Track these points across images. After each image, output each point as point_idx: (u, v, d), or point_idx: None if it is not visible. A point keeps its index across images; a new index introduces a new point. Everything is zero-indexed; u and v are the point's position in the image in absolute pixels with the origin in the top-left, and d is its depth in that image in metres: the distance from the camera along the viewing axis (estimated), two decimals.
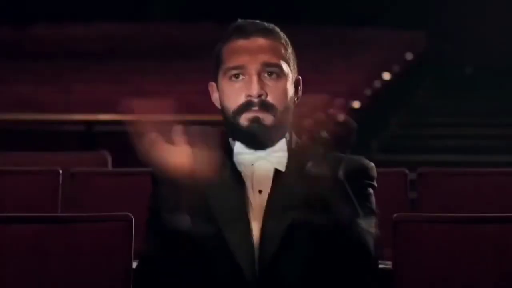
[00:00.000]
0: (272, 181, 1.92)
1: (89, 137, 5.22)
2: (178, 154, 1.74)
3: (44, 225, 2.01)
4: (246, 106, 1.92)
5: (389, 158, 6.21)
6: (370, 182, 1.92)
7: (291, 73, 1.99)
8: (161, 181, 1.80)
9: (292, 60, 2.01)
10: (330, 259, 1.80)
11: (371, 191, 1.91)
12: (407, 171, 2.97)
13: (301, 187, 1.82)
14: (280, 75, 1.96)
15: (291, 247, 1.81)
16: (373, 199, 1.90)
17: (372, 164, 1.93)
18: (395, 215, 2.10)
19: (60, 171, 2.86)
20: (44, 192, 2.84)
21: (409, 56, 8.55)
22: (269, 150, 1.94)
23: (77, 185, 2.86)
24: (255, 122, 1.92)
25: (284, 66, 1.97)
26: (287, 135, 1.98)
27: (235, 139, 1.94)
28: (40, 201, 2.80)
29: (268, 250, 1.82)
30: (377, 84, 7.20)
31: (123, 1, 10.16)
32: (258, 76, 1.95)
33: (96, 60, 7.66)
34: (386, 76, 7.50)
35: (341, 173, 1.84)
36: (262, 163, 1.94)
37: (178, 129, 1.74)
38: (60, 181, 2.85)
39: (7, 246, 1.99)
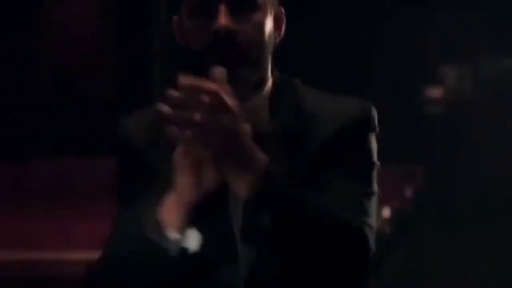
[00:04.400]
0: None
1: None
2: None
3: None
4: (214, 45, 1.53)
5: None
6: (369, 129, 1.58)
7: (270, 4, 1.60)
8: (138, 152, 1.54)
9: None
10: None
11: (371, 138, 1.58)
12: None
13: (286, 156, 1.51)
14: (255, 5, 1.57)
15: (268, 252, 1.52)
16: (373, 148, 1.57)
17: (369, 105, 1.59)
18: None
19: None
20: None
21: (408, 192, 8.58)
22: (244, 106, 1.46)
23: None
24: (225, 66, 1.45)
25: None
26: (268, 83, 1.59)
27: None
28: None
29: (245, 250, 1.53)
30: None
31: None
32: (226, 6, 1.55)
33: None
34: (386, 213, 7.50)
35: (331, 131, 1.53)
36: None
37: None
38: None
39: None
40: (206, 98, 1.37)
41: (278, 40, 1.63)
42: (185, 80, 1.37)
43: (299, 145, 1.54)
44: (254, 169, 1.42)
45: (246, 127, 1.41)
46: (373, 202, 1.55)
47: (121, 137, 1.61)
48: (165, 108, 1.36)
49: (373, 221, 1.54)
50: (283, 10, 1.64)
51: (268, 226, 1.43)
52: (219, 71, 1.41)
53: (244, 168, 1.42)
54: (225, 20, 1.53)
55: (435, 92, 9.92)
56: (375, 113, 1.58)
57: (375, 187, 1.56)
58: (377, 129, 1.59)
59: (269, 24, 1.60)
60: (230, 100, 1.39)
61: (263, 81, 1.58)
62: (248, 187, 1.42)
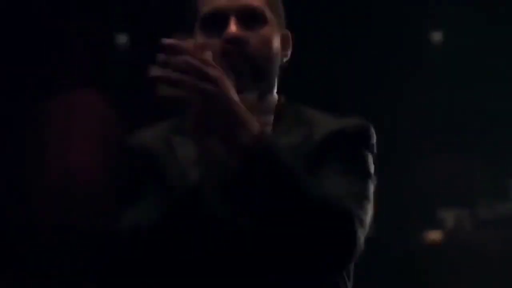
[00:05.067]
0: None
1: None
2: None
3: None
4: (223, 52, 1.59)
5: None
6: (365, 143, 1.62)
7: (277, 23, 1.70)
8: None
9: (279, 10, 1.72)
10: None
11: (367, 153, 1.61)
12: None
13: (278, 167, 1.46)
14: (264, 22, 1.66)
15: (261, 232, 1.49)
16: (369, 161, 1.60)
17: (368, 124, 1.64)
18: None
19: None
20: None
21: None
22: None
23: None
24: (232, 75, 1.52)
25: (268, 13, 1.68)
26: (274, 98, 1.64)
27: None
28: None
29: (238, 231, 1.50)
30: None
31: None
32: (236, 19, 1.63)
33: None
34: None
35: (330, 135, 1.55)
36: None
37: None
38: None
39: None
40: (186, 59, 1.38)
41: (285, 61, 1.70)
42: (167, 40, 1.41)
43: (297, 146, 1.56)
44: (245, 136, 1.41)
45: (231, 92, 1.41)
46: (367, 205, 1.53)
47: (134, 143, 1.65)
48: (154, 70, 1.39)
49: (365, 218, 1.50)
50: (290, 34, 1.71)
51: (256, 196, 1.41)
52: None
53: (232, 133, 1.42)
54: (235, 29, 1.58)
55: (434, 235, 9.94)
56: (373, 132, 1.63)
57: (371, 194, 1.55)
58: (375, 150, 1.61)
59: (276, 41, 1.68)
60: (212, 68, 1.40)
61: (269, 95, 1.60)
62: (237, 154, 1.41)
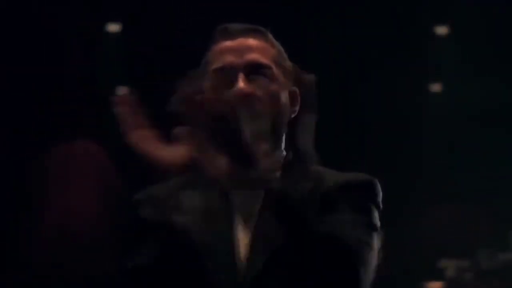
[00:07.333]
0: (261, 205, 1.63)
1: None
2: (172, 152, 1.45)
3: None
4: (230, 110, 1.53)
5: None
6: (371, 197, 1.64)
7: (285, 80, 1.71)
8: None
9: (286, 67, 1.73)
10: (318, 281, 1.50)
11: (373, 207, 1.63)
12: None
13: (290, 209, 1.52)
14: (272, 78, 1.67)
15: (275, 273, 1.55)
16: (375, 215, 1.63)
17: (375, 180, 1.66)
18: None
19: None
20: None
21: None
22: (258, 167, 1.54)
23: None
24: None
25: (275, 70, 1.69)
26: (282, 154, 1.67)
27: None
28: None
29: (250, 276, 1.56)
30: None
31: None
32: (245, 75, 1.65)
33: None
34: None
35: (336, 188, 1.59)
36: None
37: (180, 131, 1.46)
38: None
39: None
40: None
41: (292, 116, 1.71)
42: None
43: (303, 201, 1.58)
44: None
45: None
46: (369, 253, 1.57)
47: (142, 196, 1.69)
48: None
49: (369, 268, 1.55)
50: (298, 91, 1.72)
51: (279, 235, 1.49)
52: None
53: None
54: (243, 85, 1.61)
55: (435, 285, 9.91)
56: (379, 188, 1.65)
57: (375, 245, 1.59)
58: (381, 207, 1.63)
59: (284, 97, 1.69)
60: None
61: (278, 143, 1.64)
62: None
